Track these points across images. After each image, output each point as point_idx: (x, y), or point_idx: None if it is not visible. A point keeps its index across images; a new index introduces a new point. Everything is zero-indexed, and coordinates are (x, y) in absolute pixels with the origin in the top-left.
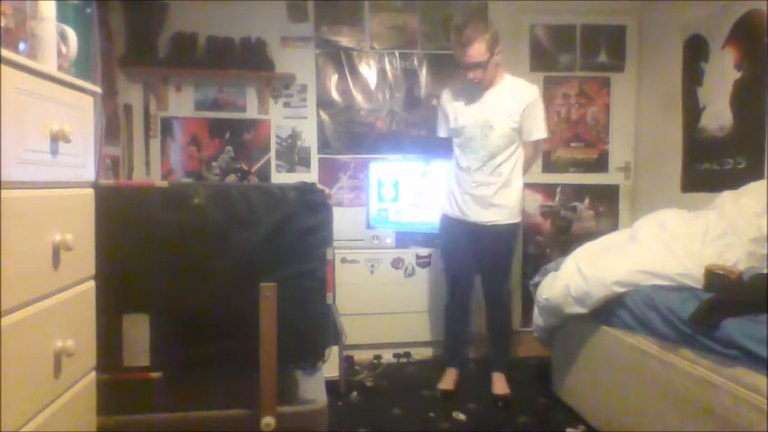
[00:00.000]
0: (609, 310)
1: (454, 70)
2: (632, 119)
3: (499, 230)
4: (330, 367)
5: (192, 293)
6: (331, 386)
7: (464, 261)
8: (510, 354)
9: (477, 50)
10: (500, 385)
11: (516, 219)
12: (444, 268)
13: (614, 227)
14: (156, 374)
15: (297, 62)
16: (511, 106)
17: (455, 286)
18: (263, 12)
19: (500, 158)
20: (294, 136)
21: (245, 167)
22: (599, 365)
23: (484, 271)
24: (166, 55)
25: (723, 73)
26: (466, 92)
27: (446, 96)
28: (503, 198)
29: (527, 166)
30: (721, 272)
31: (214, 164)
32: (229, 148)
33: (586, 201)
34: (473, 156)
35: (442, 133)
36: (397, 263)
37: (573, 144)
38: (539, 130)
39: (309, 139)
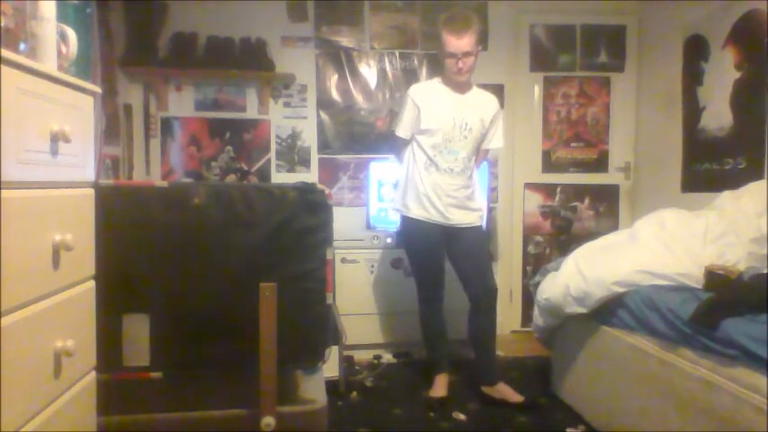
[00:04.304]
0: (609, 310)
1: None
2: (632, 119)
3: (478, 231)
4: (330, 367)
5: (192, 293)
6: (331, 386)
7: (439, 266)
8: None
9: (471, 39)
10: (513, 393)
11: (483, 222)
12: (418, 274)
13: (614, 227)
14: (156, 374)
15: (297, 62)
16: (483, 112)
17: (430, 291)
18: (263, 12)
19: (472, 161)
20: (294, 136)
21: (245, 167)
22: (599, 365)
23: (471, 274)
24: (166, 55)
25: (723, 73)
26: (439, 92)
27: (417, 93)
28: (475, 201)
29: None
30: (721, 272)
31: (214, 164)
32: (229, 148)
33: (586, 201)
34: (452, 157)
35: (404, 132)
36: (397, 263)
37: (573, 144)
38: (499, 140)
39: (309, 139)
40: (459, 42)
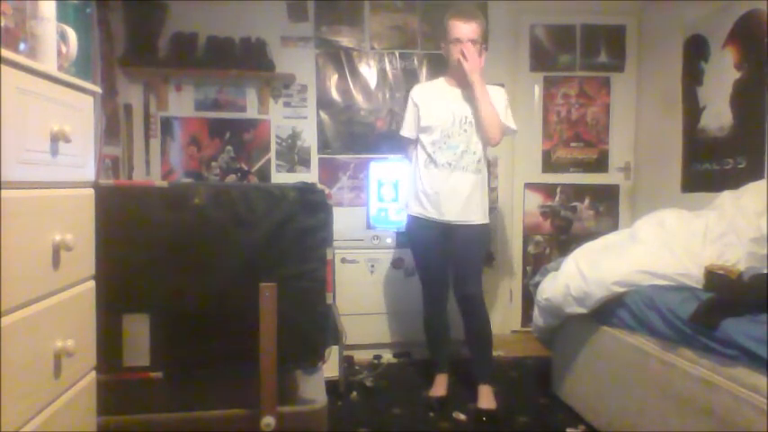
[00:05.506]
0: (609, 310)
1: None
2: (632, 119)
3: (474, 230)
4: (330, 367)
5: (193, 293)
6: (331, 386)
7: (440, 264)
8: (493, 361)
9: (478, 28)
10: (486, 399)
11: (487, 219)
12: (420, 272)
13: (614, 227)
14: (156, 374)
15: (297, 62)
16: None
17: (432, 290)
18: (263, 12)
19: (478, 155)
20: (294, 136)
21: (245, 167)
22: (599, 365)
23: (458, 274)
24: (166, 55)
25: (723, 73)
26: (440, 89)
27: (416, 93)
28: (478, 197)
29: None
30: (721, 272)
31: (214, 164)
32: (229, 148)
33: (586, 201)
34: (451, 152)
35: (408, 132)
36: (397, 263)
37: (573, 144)
38: (509, 121)
39: (309, 139)
40: (466, 26)
